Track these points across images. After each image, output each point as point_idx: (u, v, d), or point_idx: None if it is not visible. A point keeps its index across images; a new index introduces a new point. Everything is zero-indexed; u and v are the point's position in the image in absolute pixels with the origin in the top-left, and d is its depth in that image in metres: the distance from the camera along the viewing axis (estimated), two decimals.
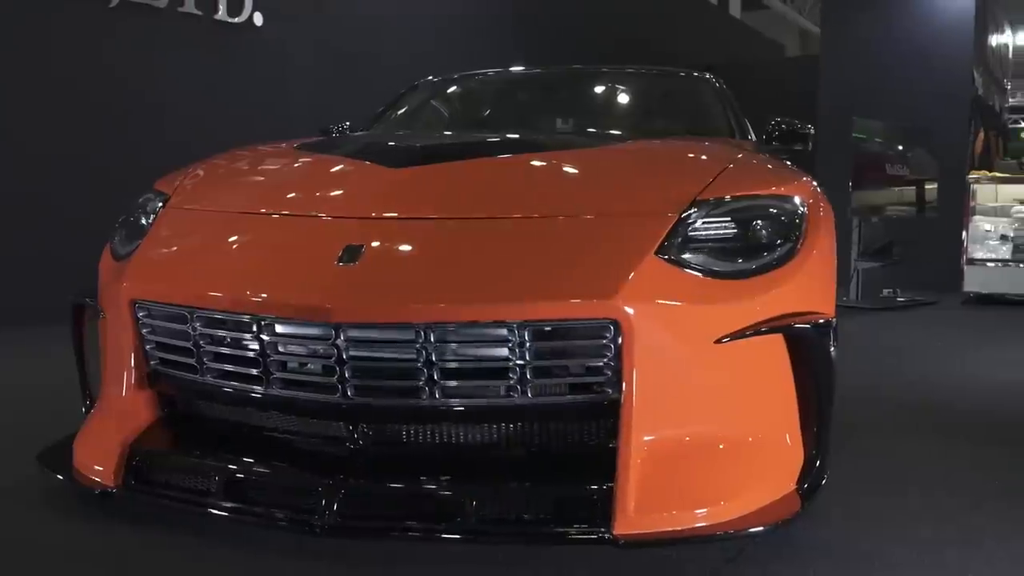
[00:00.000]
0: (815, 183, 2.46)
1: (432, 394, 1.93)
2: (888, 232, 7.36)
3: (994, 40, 9.45)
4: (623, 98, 3.94)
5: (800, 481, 2.04)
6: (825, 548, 2.08)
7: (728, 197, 2.16)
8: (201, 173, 2.57)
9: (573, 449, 2.03)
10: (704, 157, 2.58)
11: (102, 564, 1.97)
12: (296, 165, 2.61)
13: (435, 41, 8.06)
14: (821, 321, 2.07)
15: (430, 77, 4.28)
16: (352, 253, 1.98)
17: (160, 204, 2.41)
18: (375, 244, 2.00)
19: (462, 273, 1.97)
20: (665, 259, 1.99)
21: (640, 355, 1.90)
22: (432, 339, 1.89)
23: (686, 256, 2.02)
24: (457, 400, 1.94)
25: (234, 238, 2.19)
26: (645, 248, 2.00)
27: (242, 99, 6.43)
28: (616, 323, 1.89)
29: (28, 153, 5.31)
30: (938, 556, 2.05)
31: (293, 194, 2.34)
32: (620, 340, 1.89)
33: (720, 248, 2.07)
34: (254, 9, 6.42)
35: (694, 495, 1.92)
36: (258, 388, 2.03)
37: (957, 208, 7.34)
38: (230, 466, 2.03)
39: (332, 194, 2.29)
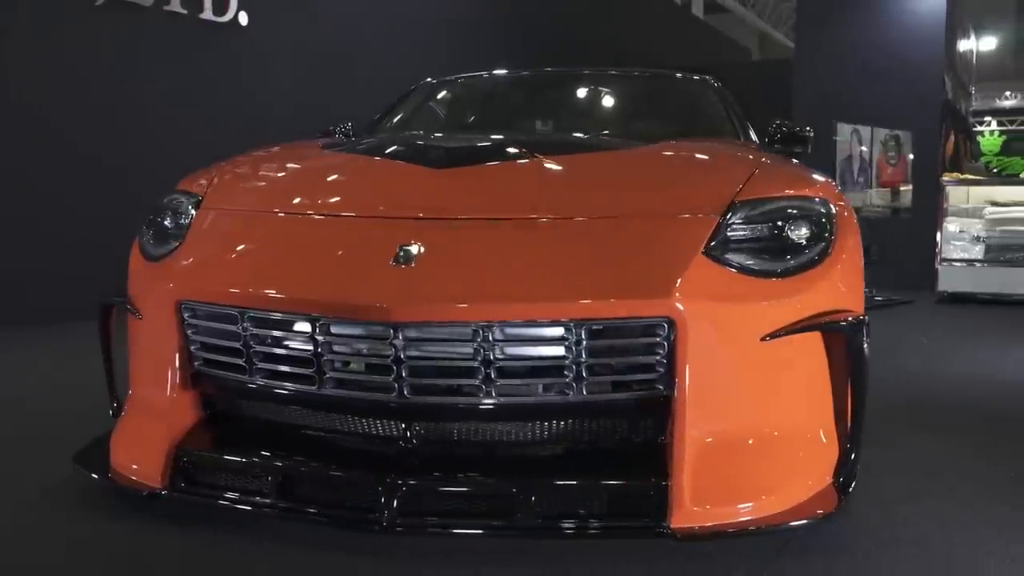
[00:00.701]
0: (836, 184, 2.52)
1: (488, 392, 1.95)
2: (865, 233, 7.50)
3: (961, 45, 9.71)
4: (630, 100, 3.98)
5: (836, 475, 2.09)
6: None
7: (764, 198, 2.21)
8: (231, 174, 2.57)
9: (623, 445, 2.07)
10: (733, 159, 2.64)
11: (162, 565, 1.96)
12: (333, 166, 2.61)
13: (415, 42, 8.07)
14: (857, 318, 2.13)
15: (429, 79, 4.29)
16: (407, 253, 2.00)
17: (192, 205, 2.40)
18: (429, 245, 2.02)
19: (517, 273, 2.00)
20: (711, 259, 2.04)
21: (693, 352, 1.94)
22: (490, 338, 1.92)
23: (728, 256, 2.07)
24: (512, 398, 1.97)
25: (282, 239, 2.19)
26: (693, 248, 2.05)
27: (226, 98, 6.39)
28: (670, 321, 1.93)
29: (8, 150, 5.23)
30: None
31: (338, 195, 2.34)
32: (673, 338, 1.94)
33: (759, 248, 2.12)
34: (239, 8, 6.38)
35: (742, 489, 1.97)
36: (311, 388, 2.04)
37: (931, 210, 7.53)
38: (283, 465, 2.03)
39: (379, 195, 2.29)
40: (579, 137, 3.07)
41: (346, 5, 7.41)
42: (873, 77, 8.12)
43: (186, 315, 2.14)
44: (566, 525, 1.91)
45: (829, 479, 2.08)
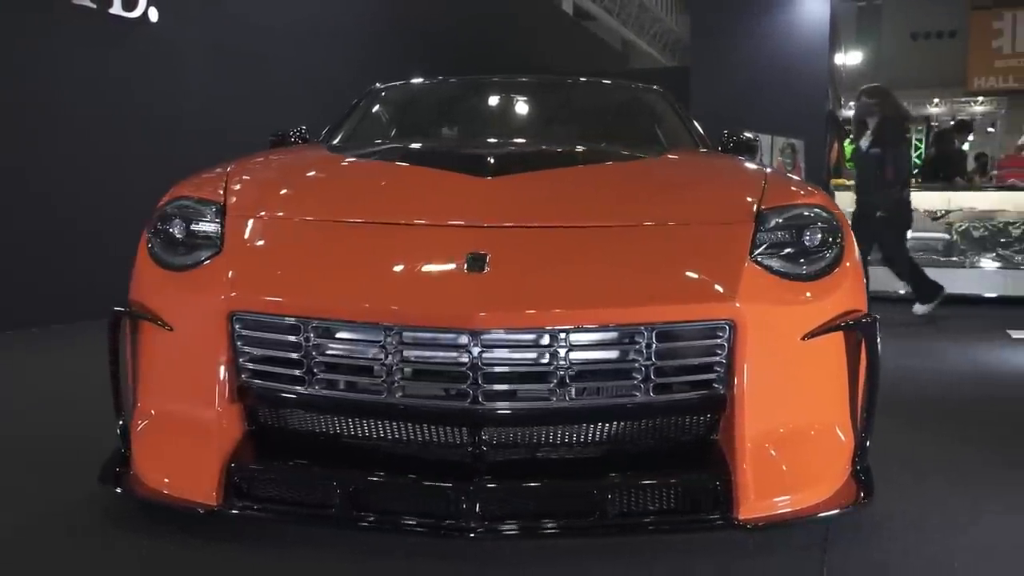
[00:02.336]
0: None
1: (561, 395, 2.00)
2: None
3: (837, 59, 10.39)
4: (596, 108, 4.08)
5: (854, 464, 2.25)
6: None
7: (785, 205, 2.35)
8: (246, 180, 2.50)
9: (682, 443, 2.15)
10: (742, 169, 2.78)
11: None
12: (369, 173, 2.59)
13: (324, 42, 7.95)
14: (873, 316, 2.30)
15: (378, 84, 4.26)
16: (478, 261, 2.02)
17: (213, 212, 2.31)
18: (498, 252, 2.05)
19: (586, 278, 2.05)
20: (755, 263, 2.16)
21: (750, 352, 2.06)
22: (565, 342, 1.97)
23: (767, 261, 2.19)
24: (583, 400, 2.03)
25: (339, 248, 2.16)
26: (741, 253, 2.16)
27: (136, 95, 6.10)
28: (731, 323, 2.04)
29: None
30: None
31: (390, 204, 2.33)
32: (733, 339, 2.05)
33: (791, 253, 2.25)
34: (149, 4, 6.11)
35: (791, 481, 2.10)
36: (377, 396, 2.02)
37: None
38: (354, 475, 2.01)
39: (434, 203, 2.29)
40: (603, 147, 3.12)
41: (257, 5, 7.21)
42: (766, 88, 8.58)
43: (238, 326, 2.08)
44: (643, 522, 1.99)
45: (849, 468, 2.24)
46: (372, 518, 1.98)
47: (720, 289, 2.06)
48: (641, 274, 2.08)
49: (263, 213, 2.30)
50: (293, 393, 2.09)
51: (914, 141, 20.96)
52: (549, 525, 1.97)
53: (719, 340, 2.05)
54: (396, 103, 4.10)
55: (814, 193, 2.53)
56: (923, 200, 7.81)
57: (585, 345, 2.00)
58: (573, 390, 2.00)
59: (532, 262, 2.08)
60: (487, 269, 2.01)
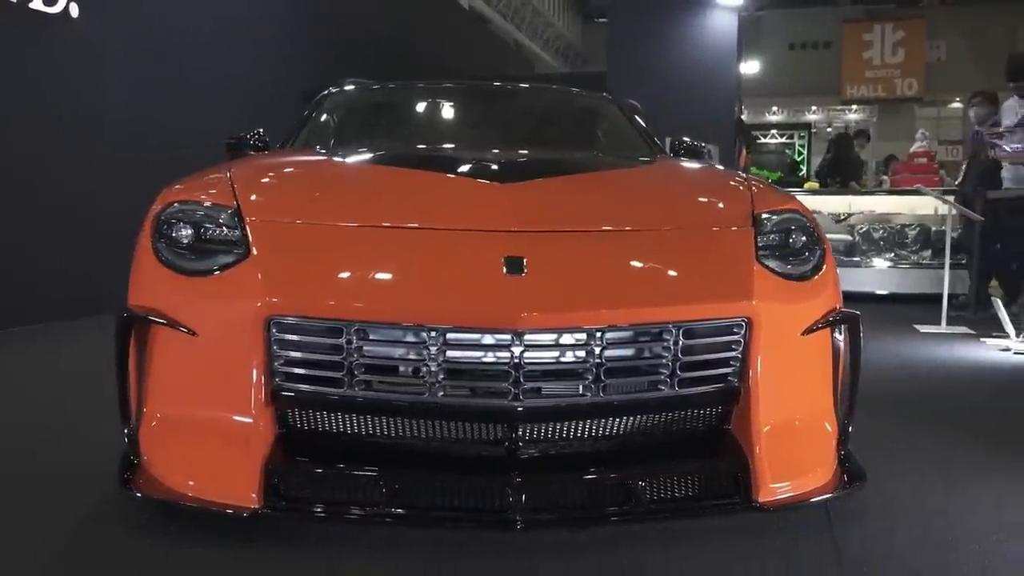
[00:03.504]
0: None
1: (595, 391, 2.11)
2: None
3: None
4: (561, 114, 4.19)
5: (839, 449, 2.44)
6: None
7: (775, 210, 2.54)
8: (262, 183, 2.54)
9: (700, 434, 2.30)
10: (725, 175, 2.95)
11: None
12: (383, 179, 2.63)
13: (246, 42, 7.81)
14: (855, 313, 2.50)
15: (332, 88, 4.26)
16: (515, 264, 2.11)
17: (229, 217, 2.32)
18: (532, 256, 2.14)
19: (618, 280, 2.18)
20: (760, 264, 2.33)
21: (764, 347, 2.22)
22: (600, 341, 2.08)
23: (768, 262, 2.36)
24: (616, 395, 2.14)
25: (374, 252, 2.20)
26: (748, 255, 2.33)
27: (54, 93, 5.87)
28: (748, 320, 2.20)
29: None
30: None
31: (414, 208, 2.38)
32: (749, 335, 2.20)
33: (784, 254, 2.43)
34: (70, 0, 5.89)
35: (795, 467, 2.26)
36: (418, 396, 2.08)
37: None
38: (399, 473, 2.07)
39: (457, 208, 2.36)
40: (597, 154, 3.22)
41: (181, 3, 7.04)
42: (680, 94, 8.91)
43: (275, 330, 2.10)
44: (674, 508, 2.12)
45: (837, 455, 2.42)
46: (419, 514, 2.05)
47: (738, 288, 2.21)
48: (666, 275, 2.22)
49: (288, 218, 2.32)
50: (331, 395, 2.12)
51: (797, 146, 22.05)
52: (589, 514, 2.07)
53: (736, 336, 2.21)
54: (357, 107, 4.12)
55: (792, 199, 2.73)
56: (826, 204, 8.29)
57: (618, 343, 2.11)
58: (606, 386, 2.12)
59: (566, 265, 2.18)
60: (525, 272, 2.10)
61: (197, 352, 2.21)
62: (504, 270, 2.10)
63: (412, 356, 2.08)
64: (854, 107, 28.58)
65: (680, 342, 2.15)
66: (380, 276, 2.15)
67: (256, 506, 2.05)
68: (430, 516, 2.06)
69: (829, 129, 27.67)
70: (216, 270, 2.22)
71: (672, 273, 2.24)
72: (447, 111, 4.09)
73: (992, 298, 6.17)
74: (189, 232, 2.32)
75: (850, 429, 2.46)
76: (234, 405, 2.15)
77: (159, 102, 6.76)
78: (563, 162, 2.73)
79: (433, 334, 2.04)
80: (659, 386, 2.17)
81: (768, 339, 2.23)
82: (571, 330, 2.07)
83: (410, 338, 2.07)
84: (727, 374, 2.23)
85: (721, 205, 2.56)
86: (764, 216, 2.49)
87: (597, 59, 30.14)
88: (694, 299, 2.17)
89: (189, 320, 2.21)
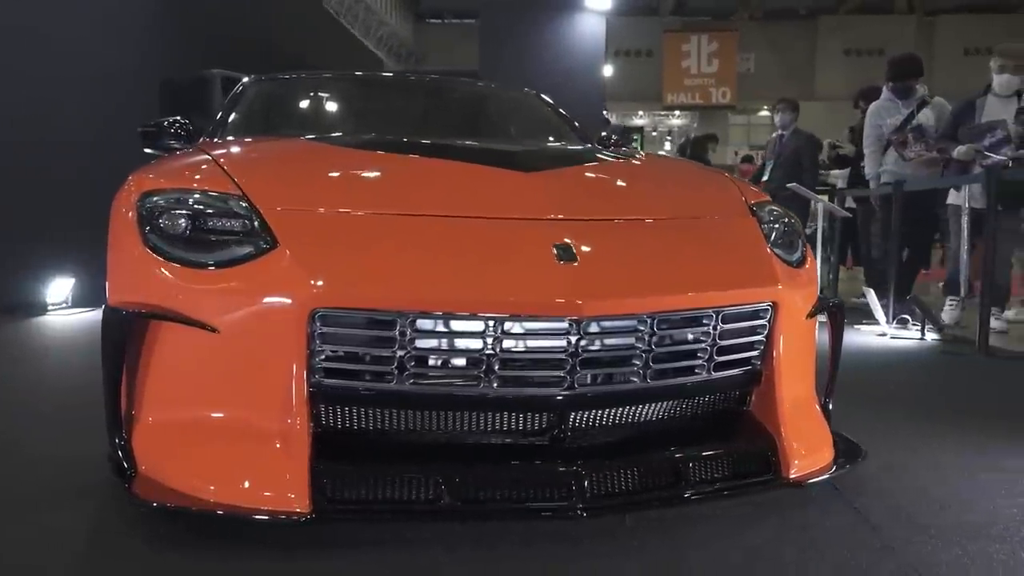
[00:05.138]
0: None
1: (644, 377, 2.14)
2: None
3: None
4: (492, 106, 4.19)
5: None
6: None
7: (762, 201, 2.67)
8: (265, 170, 2.41)
9: (722, 415, 2.37)
10: (705, 171, 3.06)
11: None
12: (398, 165, 2.53)
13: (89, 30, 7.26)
14: (841, 299, 2.67)
15: (253, 76, 4.07)
16: (566, 251, 2.09)
17: (239, 205, 2.17)
18: (580, 244, 2.13)
19: (663, 267, 2.22)
20: (771, 252, 2.44)
21: (784, 330, 2.33)
22: (652, 327, 2.10)
23: (774, 250, 2.48)
24: (661, 381, 2.17)
25: (420, 240, 2.12)
26: (763, 243, 2.43)
27: None
28: (774, 304, 2.29)
29: None
30: None
31: (444, 197, 2.31)
32: (774, 319, 2.30)
33: (782, 244, 2.55)
34: None
35: (811, 443, 2.38)
36: (474, 387, 2.03)
37: None
38: (457, 467, 2.02)
39: (492, 196, 2.31)
40: (582, 147, 3.22)
41: None
42: (551, 94, 9.03)
43: (319, 324, 1.98)
44: (719, 488, 2.18)
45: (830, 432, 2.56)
46: (482, 508, 2.00)
47: (766, 274, 2.30)
48: (704, 262, 2.28)
49: (308, 206, 2.19)
50: (379, 390, 2.03)
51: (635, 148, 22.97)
52: (647, 498, 2.09)
53: (762, 320, 2.29)
54: (288, 98, 3.95)
55: (762, 192, 2.89)
56: None
57: (668, 328, 2.14)
58: (653, 372, 2.14)
59: (614, 252, 2.19)
60: (578, 261, 2.09)
61: (219, 350, 2.05)
62: (556, 258, 2.08)
63: (467, 346, 2.02)
64: (677, 113, 30.09)
65: (719, 327, 2.20)
66: (431, 265, 2.07)
67: (306, 511, 1.93)
68: (495, 509, 2.01)
69: (655, 133, 29.01)
70: (237, 262, 2.07)
71: (707, 260, 2.30)
72: (386, 102, 4.00)
73: (864, 288, 6.70)
74: (185, 222, 2.16)
75: (830, 407, 2.63)
76: (270, 404, 2.01)
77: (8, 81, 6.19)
78: (560, 152, 2.74)
79: (491, 323, 1.99)
80: (697, 370, 2.22)
81: (786, 323, 2.34)
82: (626, 317, 2.08)
83: (466, 327, 2.01)
84: (752, 357, 2.32)
85: (720, 196, 2.65)
86: (755, 206, 2.60)
87: (431, 58, 30.22)
88: (731, 284, 2.23)
89: (208, 316, 2.05)
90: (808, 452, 2.33)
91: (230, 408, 2.06)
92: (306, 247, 2.06)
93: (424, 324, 1.99)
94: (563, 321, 2.01)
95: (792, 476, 2.24)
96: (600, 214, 2.34)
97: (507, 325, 2.01)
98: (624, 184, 2.67)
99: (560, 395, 2.06)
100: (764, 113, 29.49)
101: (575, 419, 2.12)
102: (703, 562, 1.98)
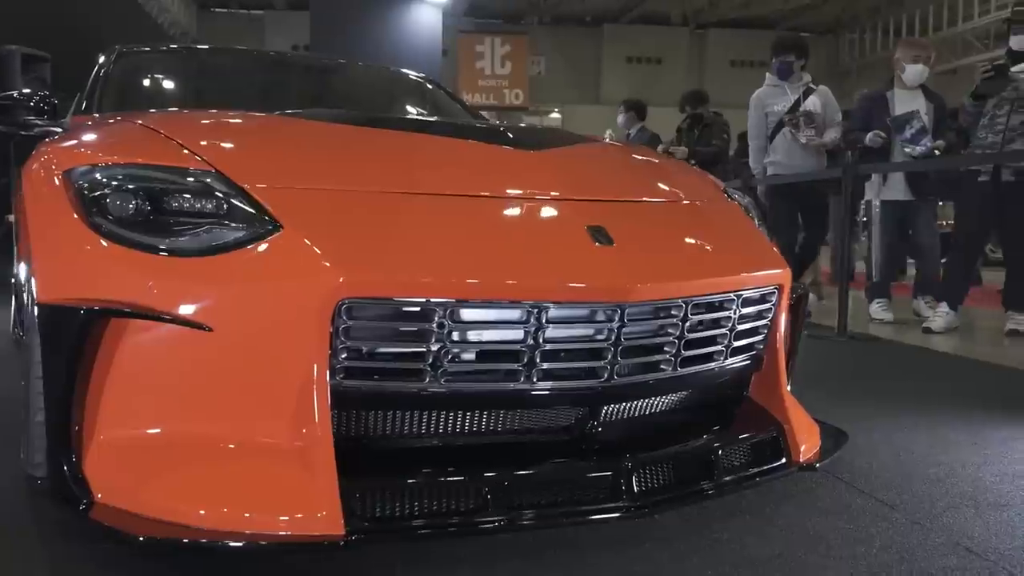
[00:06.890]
0: None
1: (675, 365, 2.03)
2: None
3: None
4: (391, 89, 3.98)
5: None
6: None
7: (726, 189, 2.66)
8: (224, 143, 2.07)
9: (726, 401, 2.32)
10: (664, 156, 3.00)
11: None
12: (396, 144, 2.25)
13: None
14: (804, 286, 2.71)
15: (121, 47, 3.60)
16: (600, 234, 1.95)
17: (218, 182, 1.86)
18: (612, 225, 1.99)
19: (691, 250, 2.15)
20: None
21: (784, 314, 2.31)
22: (686, 312, 2.00)
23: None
24: (688, 368, 2.07)
25: (447, 222, 1.89)
26: (755, 226, 2.41)
27: None
28: (780, 287, 2.26)
29: None
30: None
31: (457, 174, 2.08)
32: (778, 302, 2.27)
33: (760, 227, 2.55)
34: None
35: (806, 427, 2.38)
36: (515, 381, 1.84)
37: None
38: (498, 476, 1.82)
39: (503, 174, 2.11)
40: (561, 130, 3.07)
41: None
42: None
43: (345, 317, 1.71)
44: (746, 476, 2.11)
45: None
46: (531, 515, 1.80)
47: (773, 257, 2.27)
48: (722, 245, 2.22)
49: (302, 184, 1.91)
50: (413, 389, 1.79)
51: None
52: (691, 490, 1.99)
53: (769, 304, 2.26)
54: (175, 70, 3.54)
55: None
56: None
57: (699, 313, 2.05)
58: (684, 359, 2.05)
59: (644, 235, 2.08)
60: (614, 244, 1.95)
61: (212, 352, 1.74)
62: (594, 241, 1.93)
63: (510, 337, 1.82)
64: (483, 113, 30.27)
65: (739, 310, 2.14)
66: (466, 249, 1.85)
67: (340, 533, 1.66)
68: (546, 515, 1.82)
69: None
70: (229, 247, 1.77)
71: (725, 243, 2.24)
72: (279, 80, 3.67)
73: None
74: (137, 202, 1.82)
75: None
76: (284, 412, 1.72)
77: None
78: (544, 131, 2.59)
79: (536, 312, 1.81)
80: (716, 356, 2.14)
81: (783, 306, 2.32)
82: (667, 302, 1.96)
83: (508, 316, 1.81)
84: (757, 342, 2.28)
85: (699, 180, 2.61)
86: (726, 191, 2.59)
87: None
88: (750, 267, 2.18)
89: (198, 312, 1.73)
90: (807, 436, 2.32)
91: (228, 419, 1.75)
92: (320, 229, 1.78)
93: (466, 314, 1.78)
94: (607, 307, 1.86)
95: (802, 460, 2.22)
96: (618, 195, 2.22)
97: (552, 313, 1.82)
98: (622, 166, 2.57)
99: (600, 387, 1.91)
100: (555, 115, 30.41)
101: (607, 412, 1.99)
102: None
